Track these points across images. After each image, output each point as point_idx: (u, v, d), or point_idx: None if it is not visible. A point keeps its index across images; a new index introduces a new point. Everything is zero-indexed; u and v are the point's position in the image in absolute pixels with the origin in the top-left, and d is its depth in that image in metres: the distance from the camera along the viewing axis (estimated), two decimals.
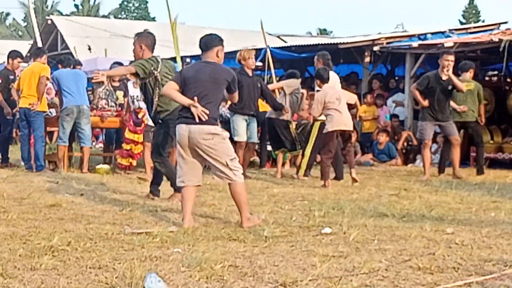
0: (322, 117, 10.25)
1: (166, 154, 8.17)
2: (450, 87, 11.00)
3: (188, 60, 15.76)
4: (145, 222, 6.48)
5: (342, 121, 9.93)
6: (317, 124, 10.54)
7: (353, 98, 10.64)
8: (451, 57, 11.03)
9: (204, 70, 6.42)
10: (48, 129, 12.43)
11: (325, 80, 10.13)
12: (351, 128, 10.33)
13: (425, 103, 11.06)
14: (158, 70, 7.83)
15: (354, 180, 10.04)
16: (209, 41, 6.52)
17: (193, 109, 6.23)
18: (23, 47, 27.70)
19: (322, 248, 5.31)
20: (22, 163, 11.53)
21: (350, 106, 10.67)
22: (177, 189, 7.84)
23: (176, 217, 6.78)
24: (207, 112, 6.25)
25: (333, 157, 10.08)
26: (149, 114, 8.32)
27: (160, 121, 8.01)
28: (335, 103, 9.88)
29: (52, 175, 10.43)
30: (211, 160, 6.35)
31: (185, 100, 6.31)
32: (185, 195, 6.42)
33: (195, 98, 6.24)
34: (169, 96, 6.54)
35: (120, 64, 13.20)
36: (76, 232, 5.88)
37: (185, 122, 6.30)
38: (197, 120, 6.22)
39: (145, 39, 8.00)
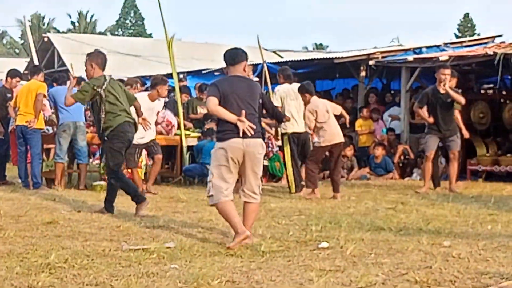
0: (291, 129, 10.46)
1: (118, 169, 8.32)
2: (449, 100, 11.05)
3: (181, 76, 15.76)
4: (142, 239, 6.48)
5: (335, 135, 10.18)
6: (285, 138, 10.82)
7: (337, 109, 10.77)
8: (448, 71, 11.11)
9: (241, 85, 6.34)
10: (45, 146, 12.44)
11: (312, 93, 10.28)
12: (343, 139, 10.45)
13: (431, 120, 11.13)
14: (103, 87, 8.11)
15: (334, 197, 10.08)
16: (237, 56, 6.42)
17: (240, 124, 6.11)
18: (20, 64, 27.71)
19: (319, 263, 5.33)
20: (19, 181, 11.52)
21: (337, 117, 10.82)
22: (139, 201, 8.11)
23: (174, 233, 6.78)
24: (254, 127, 6.19)
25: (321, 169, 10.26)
26: (98, 133, 8.53)
27: (106, 138, 8.20)
28: (325, 116, 10.06)
29: (49, 193, 10.42)
30: (253, 175, 6.33)
31: (233, 117, 6.15)
32: (229, 208, 6.26)
33: (243, 112, 6.14)
34: (217, 112, 6.24)
35: (121, 80, 13.28)
36: (73, 249, 5.88)
37: (240, 136, 6.15)
38: (241, 134, 6.13)
39: (95, 58, 8.33)
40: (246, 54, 6.48)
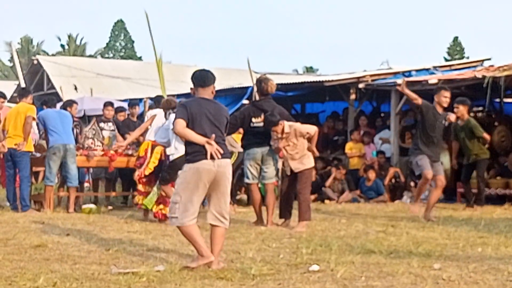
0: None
1: None
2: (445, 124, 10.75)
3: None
4: (132, 262, 6.44)
5: None
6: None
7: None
8: (447, 94, 10.63)
9: (209, 108, 6.33)
10: (34, 169, 12.40)
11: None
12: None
13: (419, 101, 10.47)
14: None
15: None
16: (208, 78, 6.44)
17: (208, 147, 6.07)
18: (9, 87, 27.71)
19: (310, 286, 5.32)
20: (7, 204, 11.46)
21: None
22: None
23: (163, 256, 6.75)
24: (222, 151, 6.14)
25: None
26: None
27: None
28: None
29: (37, 216, 10.37)
30: (222, 198, 6.30)
31: (201, 139, 6.14)
32: (194, 231, 6.24)
33: (213, 136, 6.14)
34: (184, 135, 6.25)
35: (111, 104, 13.34)
36: (62, 272, 5.84)
37: (211, 158, 6.13)
38: (208, 157, 6.08)
39: None
40: (215, 77, 6.48)
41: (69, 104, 12.59)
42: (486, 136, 12.01)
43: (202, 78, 6.43)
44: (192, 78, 6.39)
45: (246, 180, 9.71)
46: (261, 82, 9.80)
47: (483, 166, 12.38)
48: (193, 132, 6.19)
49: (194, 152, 6.20)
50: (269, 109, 9.45)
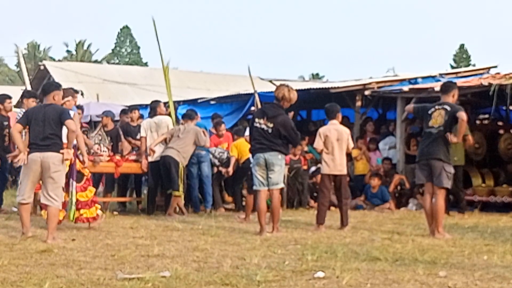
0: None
1: None
2: None
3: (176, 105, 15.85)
4: (137, 267, 6.44)
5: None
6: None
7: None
8: None
9: (43, 112, 8.18)
10: None
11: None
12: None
13: None
14: None
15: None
16: (47, 87, 8.43)
17: (21, 155, 8.22)
18: (16, 92, 27.72)
19: None
20: (14, 209, 11.46)
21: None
22: None
23: (169, 261, 6.75)
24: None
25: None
26: None
27: None
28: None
29: (43, 221, 10.35)
30: (49, 182, 8.12)
31: (21, 147, 8.31)
32: (24, 210, 8.29)
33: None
34: (12, 137, 8.70)
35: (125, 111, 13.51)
36: (67, 277, 5.84)
37: (37, 151, 8.11)
38: (20, 163, 8.21)
39: None
40: (57, 85, 8.59)
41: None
42: (471, 138, 11.82)
43: (43, 88, 8.53)
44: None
45: (254, 187, 9.67)
46: (276, 87, 10.01)
47: (459, 174, 12.26)
48: (19, 139, 8.34)
49: (29, 148, 8.22)
50: (270, 114, 9.45)
